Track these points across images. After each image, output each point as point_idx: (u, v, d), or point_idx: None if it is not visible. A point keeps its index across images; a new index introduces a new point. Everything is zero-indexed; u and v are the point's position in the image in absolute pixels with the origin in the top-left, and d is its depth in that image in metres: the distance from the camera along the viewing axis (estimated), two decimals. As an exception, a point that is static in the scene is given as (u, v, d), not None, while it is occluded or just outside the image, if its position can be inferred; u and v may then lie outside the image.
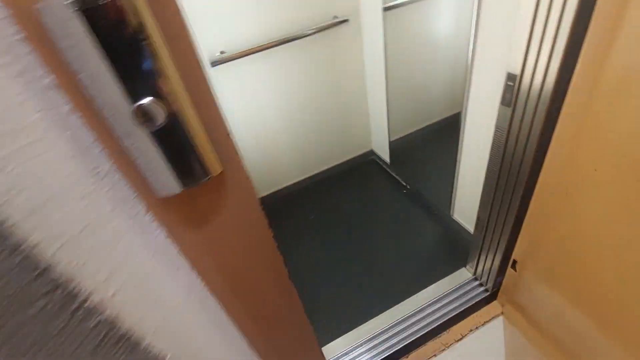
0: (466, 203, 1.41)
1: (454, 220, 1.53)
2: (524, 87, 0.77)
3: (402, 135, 2.11)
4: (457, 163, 1.33)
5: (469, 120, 1.17)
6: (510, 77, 0.78)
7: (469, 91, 1.10)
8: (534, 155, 0.81)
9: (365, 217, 1.77)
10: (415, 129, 2.14)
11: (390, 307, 1.33)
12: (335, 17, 1.58)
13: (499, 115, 0.87)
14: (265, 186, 1.94)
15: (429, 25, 1.79)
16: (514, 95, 0.79)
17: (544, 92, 0.74)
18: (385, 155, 1.97)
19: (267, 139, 1.78)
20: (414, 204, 1.77)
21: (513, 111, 0.81)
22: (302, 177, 2.01)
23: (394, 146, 1.91)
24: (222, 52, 1.43)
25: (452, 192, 1.45)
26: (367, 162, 2.11)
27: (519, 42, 0.74)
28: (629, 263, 0.69)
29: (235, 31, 1.43)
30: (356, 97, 1.88)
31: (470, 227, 1.44)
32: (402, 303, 1.33)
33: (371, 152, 2.12)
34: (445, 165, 1.44)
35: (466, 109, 1.15)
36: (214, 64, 1.40)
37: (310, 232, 1.77)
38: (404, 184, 1.88)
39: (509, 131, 0.86)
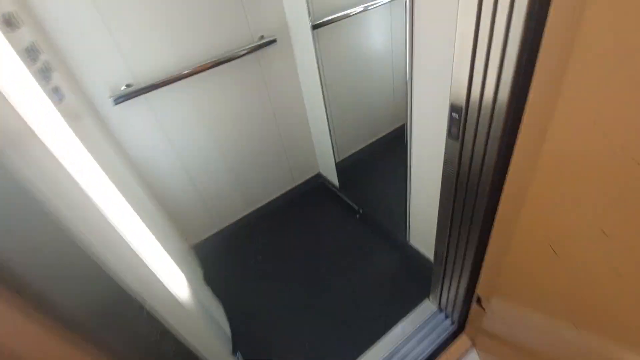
0: (421, 229, 1.32)
1: (411, 247, 1.43)
2: (471, 120, 0.66)
3: (349, 154, 1.99)
4: (408, 189, 1.22)
5: (415, 152, 1.06)
6: (455, 108, 0.68)
7: (411, 121, 0.99)
8: (489, 194, 0.71)
9: (319, 251, 1.62)
10: (362, 146, 2.04)
11: (358, 357, 1.18)
12: (262, 37, 1.42)
13: (446, 148, 0.76)
14: (204, 228, 1.71)
15: (363, 41, 1.70)
16: (461, 129, 0.68)
17: (494, 124, 0.63)
18: (334, 178, 1.84)
19: (202, 176, 1.57)
20: (369, 230, 1.66)
21: (462, 145, 0.71)
22: (246, 212, 1.80)
23: (341, 167, 1.79)
24: (128, 86, 1.21)
25: (406, 216, 1.35)
26: (315, 187, 1.97)
27: (460, 68, 0.64)
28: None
29: (143, 59, 1.21)
30: (296, 119, 1.73)
31: (427, 253, 1.34)
32: (368, 352, 1.19)
33: (318, 176, 1.98)
34: (397, 184, 1.33)
35: (410, 141, 1.04)
36: (118, 100, 1.17)
37: (259, 274, 1.57)
38: (356, 208, 1.76)
39: (459, 165, 0.76)
